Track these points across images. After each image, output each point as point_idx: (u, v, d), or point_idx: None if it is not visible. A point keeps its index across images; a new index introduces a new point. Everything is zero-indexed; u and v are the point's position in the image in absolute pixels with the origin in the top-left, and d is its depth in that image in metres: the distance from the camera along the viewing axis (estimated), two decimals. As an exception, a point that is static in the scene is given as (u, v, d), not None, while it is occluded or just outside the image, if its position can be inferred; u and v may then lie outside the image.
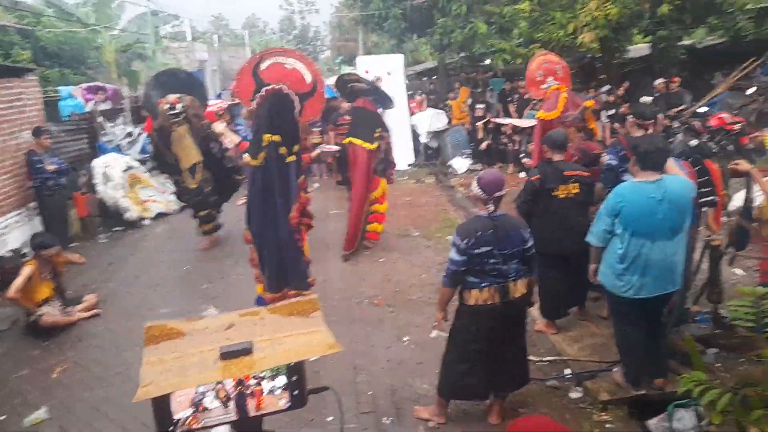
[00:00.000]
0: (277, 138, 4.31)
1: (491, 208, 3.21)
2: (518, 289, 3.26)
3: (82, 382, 4.27)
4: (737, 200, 4.34)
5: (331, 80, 22.08)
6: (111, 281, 6.36)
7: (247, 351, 1.42)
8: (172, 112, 6.64)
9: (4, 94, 6.81)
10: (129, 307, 5.62)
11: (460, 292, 3.36)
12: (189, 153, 6.78)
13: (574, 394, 3.69)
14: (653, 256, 3.20)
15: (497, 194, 3.21)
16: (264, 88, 4.30)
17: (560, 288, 4.30)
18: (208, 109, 11.24)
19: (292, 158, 4.41)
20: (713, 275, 3.81)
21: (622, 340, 3.50)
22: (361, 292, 5.71)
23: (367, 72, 9.49)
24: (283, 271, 4.59)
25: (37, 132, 6.80)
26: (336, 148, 9.07)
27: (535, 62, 6.44)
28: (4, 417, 3.90)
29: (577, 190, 4.12)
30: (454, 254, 3.26)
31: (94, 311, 5.45)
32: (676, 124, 10.56)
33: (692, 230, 3.55)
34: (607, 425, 3.40)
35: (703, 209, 3.67)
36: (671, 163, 3.41)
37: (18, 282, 4.95)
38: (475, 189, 3.23)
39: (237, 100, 13.16)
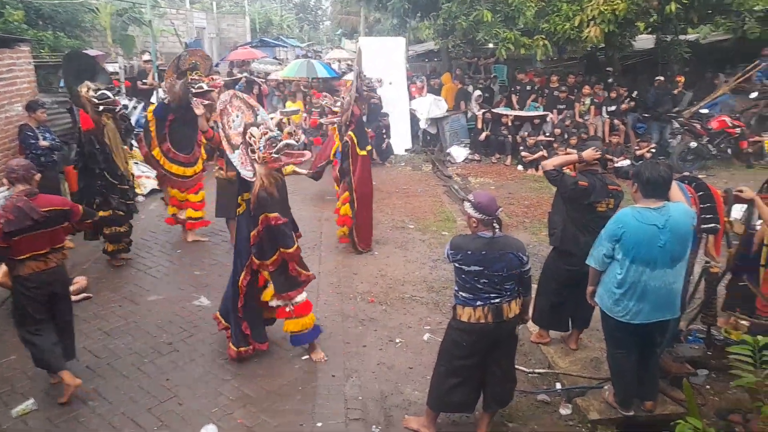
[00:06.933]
0: None
1: (496, 227, 3.18)
2: (512, 309, 3.26)
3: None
4: (736, 212, 4.34)
5: (332, 54, 21.64)
6: (101, 262, 6.29)
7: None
8: (104, 100, 5.72)
9: (-6, 66, 6.61)
10: (119, 292, 5.58)
11: (454, 307, 3.36)
12: (122, 152, 6.07)
13: (564, 411, 3.72)
14: (652, 284, 3.19)
15: (498, 212, 3.19)
16: None
17: (559, 299, 4.27)
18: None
19: None
20: (709, 299, 3.82)
21: (615, 362, 3.52)
22: (354, 288, 5.69)
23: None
24: None
25: (32, 106, 6.60)
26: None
27: None
28: (-9, 405, 3.87)
29: (612, 206, 4.02)
30: (446, 254, 3.34)
31: (85, 294, 5.40)
32: (675, 125, 10.52)
33: (692, 255, 3.54)
34: (595, 445, 3.45)
35: (704, 235, 3.66)
36: (675, 189, 3.37)
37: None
38: (475, 213, 3.17)
39: (238, 75, 12.96)
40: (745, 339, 2.21)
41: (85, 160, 5.85)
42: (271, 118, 4.38)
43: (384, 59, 11.77)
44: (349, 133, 6.45)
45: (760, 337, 2.19)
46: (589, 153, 4.05)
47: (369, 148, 6.73)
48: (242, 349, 4.27)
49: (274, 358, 4.40)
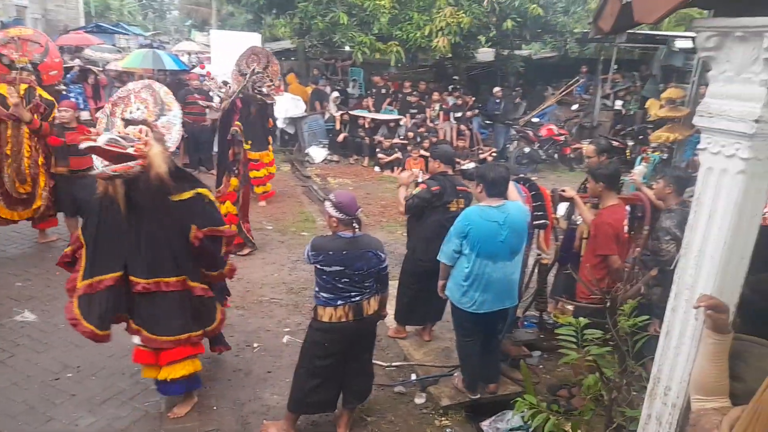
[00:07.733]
0: None
1: (356, 227, 3.21)
2: (371, 306, 3.34)
3: None
4: (561, 209, 4.91)
5: (181, 46, 20.33)
6: None
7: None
8: None
9: None
10: None
11: (315, 308, 3.35)
12: None
13: (419, 400, 3.89)
14: (494, 276, 3.48)
15: (358, 212, 3.24)
16: None
17: (420, 298, 4.42)
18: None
19: None
20: (541, 287, 4.28)
21: (463, 350, 3.78)
22: (208, 293, 5.40)
23: None
24: None
25: None
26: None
27: None
28: None
29: (463, 205, 4.19)
30: (306, 255, 3.26)
31: None
32: (512, 132, 11.63)
33: (526, 248, 3.93)
34: (447, 429, 3.66)
35: (536, 230, 4.08)
36: (512, 189, 3.72)
37: None
38: (336, 213, 3.18)
39: (70, 62, 11.54)
40: (569, 321, 2.50)
41: None
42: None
43: (238, 55, 11.33)
44: (237, 123, 6.20)
45: (581, 319, 2.49)
46: (404, 176, 4.41)
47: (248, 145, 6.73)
48: None
49: (112, 372, 4.01)
